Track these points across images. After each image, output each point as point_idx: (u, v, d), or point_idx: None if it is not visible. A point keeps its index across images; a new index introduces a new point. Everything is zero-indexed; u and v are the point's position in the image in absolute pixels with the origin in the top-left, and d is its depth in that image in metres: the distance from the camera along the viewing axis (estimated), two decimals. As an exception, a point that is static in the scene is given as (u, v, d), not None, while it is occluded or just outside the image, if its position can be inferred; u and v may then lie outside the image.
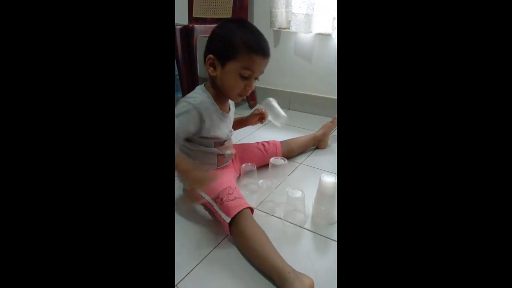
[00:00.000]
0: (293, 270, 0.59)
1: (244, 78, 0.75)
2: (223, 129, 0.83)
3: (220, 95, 0.79)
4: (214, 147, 0.83)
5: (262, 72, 0.79)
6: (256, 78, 0.78)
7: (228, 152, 0.87)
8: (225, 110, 0.82)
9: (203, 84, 0.82)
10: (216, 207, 0.74)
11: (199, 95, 0.78)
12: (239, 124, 0.99)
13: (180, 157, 0.69)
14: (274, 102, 0.97)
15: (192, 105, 0.74)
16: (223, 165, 0.88)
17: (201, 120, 0.75)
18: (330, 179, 0.76)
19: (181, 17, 1.65)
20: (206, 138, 0.80)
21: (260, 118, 0.97)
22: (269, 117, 0.97)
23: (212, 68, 0.75)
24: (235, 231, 0.69)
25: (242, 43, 0.72)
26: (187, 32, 1.18)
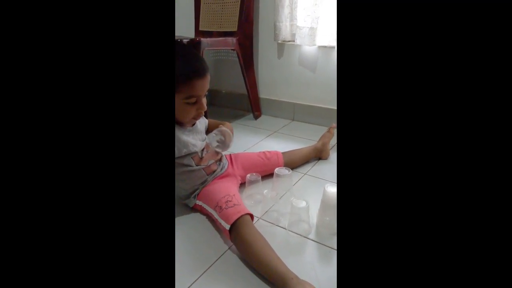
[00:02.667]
0: (296, 277, 0.59)
1: (192, 104, 0.75)
2: (196, 140, 0.82)
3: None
4: (196, 164, 0.82)
5: (207, 88, 0.77)
6: (205, 96, 0.77)
7: (211, 161, 0.86)
8: (188, 125, 0.82)
9: None
10: (216, 216, 0.75)
11: None
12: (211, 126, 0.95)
13: None
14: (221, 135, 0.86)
15: None
16: (218, 174, 0.88)
17: None
18: (334, 190, 0.76)
19: (188, 30, 1.70)
20: (183, 157, 0.80)
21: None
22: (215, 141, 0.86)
23: None
24: (236, 238, 0.69)
25: (178, 75, 0.69)
26: (194, 45, 1.21)
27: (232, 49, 1.47)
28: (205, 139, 0.87)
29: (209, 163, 0.86)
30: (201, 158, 0.84)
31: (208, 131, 0.92)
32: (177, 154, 0.78)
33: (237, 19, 1.50)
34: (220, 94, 1.85)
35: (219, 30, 1.56)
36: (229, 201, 0.75)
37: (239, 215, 0.70)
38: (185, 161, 0.81)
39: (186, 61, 0.73)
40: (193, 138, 0.82)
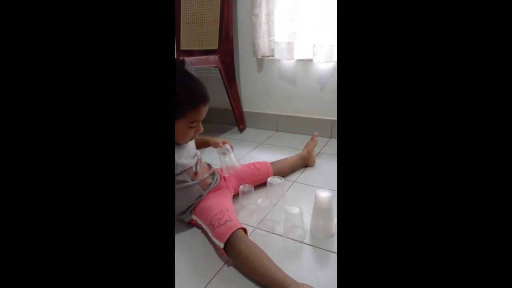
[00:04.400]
0: (295, 281, 0.62)
1: (192, 128, 0.80)
2: (187, 158, 0.85)
3: None
4: (191, 179, 0.85)
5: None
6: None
7: (205, 175, 0.89)
8: (179, 143, 0.85)
9: None
10: (210, 234, 0.78)
11: None
12: (204, 144, 0.99)
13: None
14: (230, 153, 0.93)
15: None
16: (212, 187, 0.90)
17: None
18: (325, 194, 0.81)
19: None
20: (178, 174, 0.82)
21: (216, 144, 0.96)
22: (220, 160, 0.93)
23: None
24: (231, 254, 0.71)
25: (187, 101, 0.75)
26: (179, 64, 1.24)
27: (214, 66, 1.52)
28: (195, 155, 0.90)
29: (204, 177, 0.88)
30: (196, 173, 0.87)
31: (196, 146, 0.94)
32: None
33: (217, 37, 1.55)
34: (204, 110, 1.88)
35: (200, 48, 1.61)
36: (221, 218, 0.76)
37: (231, 231, 0.72)
38: (180, 177, 0.83)
39: (192, 88, 0.78)
40: (184, 157, 0.85)
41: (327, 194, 0.80)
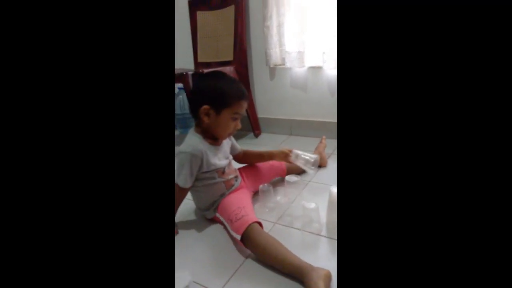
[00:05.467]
0: (311, 265, 0.69)
1: (234, 120, 0.92)
2: (221, 159, 0.95)
3: (207, 135, 0.93)
4: (218, 177, 0.95)
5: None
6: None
7: (231, 176, 0.99)
8: (216, 144, 0.95)
9: (192, 129, 0.96)
10: (228, 228, 0.86)
11: (190, 140, 0.92)
12: (263, 157, 1.12)
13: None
14: (299, 152, 1.07)
15: (188, 153, 0.87)
16: (234, 188, 0.99)
17: (199, 160, 0.89)
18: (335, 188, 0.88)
19: (187, 63, 1.85)
20: (207, 171, 0.92)
21: (285, 156, 1.08)
22: (300, 166, 1.07)
23: (206, 117, 0.89)
24: (249, 245, 0.78)
25: (233, 93, 0.89)
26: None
27: (230, 76, 1.63)
28: (228, 157, 1.01)
29: (230, 178, 0.98)
30: (223, 172, 0.96)
31: (253, 160, 1.11)
32: (205, 169, 0.91)
33: (232, 49, 1.66)
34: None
35: (216, 60, 1.72)
36: (238, 213, 0.84)
37: (247, 224, 0.79)
38: (210, 174, 0.93)
39: (236, 85, 0.92)
40: (218, 158, 0.95)
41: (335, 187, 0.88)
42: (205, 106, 0.87)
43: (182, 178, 0.87)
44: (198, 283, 0.72)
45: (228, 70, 1.58)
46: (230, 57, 1.66)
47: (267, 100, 1.81)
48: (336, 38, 1.44)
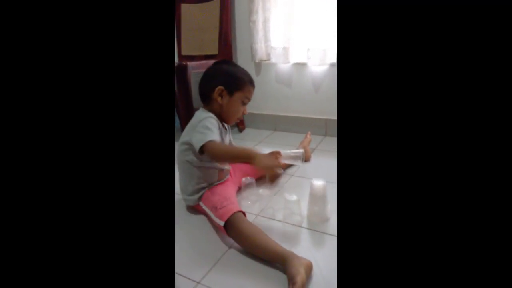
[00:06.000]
0: (293, 253, 0.70)
1: (243, 104, 0.97)
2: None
3: (217, 118, 0.95)
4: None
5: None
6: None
7: (226, 167, 1.01)
8: (224, 128, 0.98)
9: (202, 108, 0.97)
10: (211, 215, 0.86)
11: (206, 113, 0.93)
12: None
13: (247, 149, 0.88)
14: (287, 152, 1.09)
15: (214, 118, 0.92)
16: (223, 180, 1.00)
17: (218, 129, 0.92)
18: (320, 183, 0.90)
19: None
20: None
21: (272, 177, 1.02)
22: (290, 163, 1.11)
23: (220, 97, 0.93)
24: (232, 232, 0.79)
25: (245, 77, 0.96)
26: (182, 68, 1.34)
27: (214, 70, 1.62)
28: None
29: (224, 168, 0.99)
30: None
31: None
32: None
33: (217, 43, 1.65)
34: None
35: (200, 54, 1.70)
36: (223, 202, 0.86)
37: (231, 212, 0.81)
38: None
39: (245, 71, 0.99)
40: (224, 142, 0.97)
41: (321, 183, 0.90)
42: (220, 87, 0.92)
43: (214, 135, 0.85)
44: (179, 274, 0.72)
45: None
46: (215, 51, 1.65)
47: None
48: (320, 35, 1.47)
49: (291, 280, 0.62)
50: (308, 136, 1.39)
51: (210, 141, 0.82)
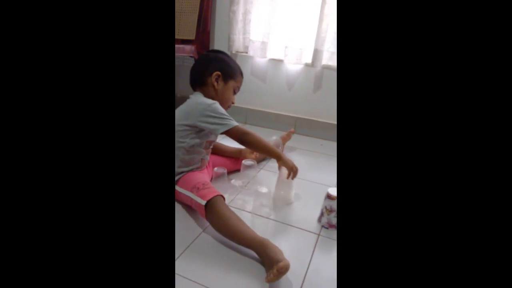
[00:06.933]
0: (269, 240, 0.73)
1: (234, 93, 1.02)
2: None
3: None
4: (203, 148, 0.97)
5: None
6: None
7: (207, 156, 1.02)
8: None
9: (200, 93, 0.98)
10: (192, 196, 0.86)
11: (204, 98, 0.95)
12: (233, 153, 1.18)
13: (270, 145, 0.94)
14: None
15: (217, 102, 0.93)
16: (202, 168, 1.00)
17: None
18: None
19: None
20: (203, 136, 0.94)
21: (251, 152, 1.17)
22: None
23: (216, 83, 0.94)
24: (211, 214, 0.80)
25: (236, 68, 1.02)
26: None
27: (190, 56, 1.57)
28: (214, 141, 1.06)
29: (206, 157, 1.00)
30: (208, 147, 1.01)
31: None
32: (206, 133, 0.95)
33: (194, 28, 1.61)
34: (176, 98, 1.92)
35: (177, 37, 1.64)
36: (205, 184, 0.87)
37: (214, 194, 0.82)
38: (201, 140, 0.94)
39: (237, 63, 1.04)
40: None
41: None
42: (217, 72, 0.96)
43: (233, 120, 0.91)
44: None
45: (189, 49, 1.53)
46: (191, 36, 1.61)
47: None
48: (298, 34, 1.50)
49: (275, 262, 0.64)
50: (290, 134, 1.38)
51: (236, 126, 0.90)
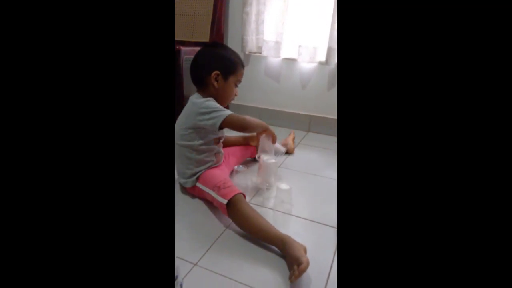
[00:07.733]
0: (290, 237, 0.74)
1: (235, 86, 1.02)
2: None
3: None
4: (214, 144, 0.99)
5: None
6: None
7: (221, 151, 1.04)
8: (223, 105, 1.01)
9: (197, 93, 0.99)
10: (213, 194, 0.88)
11: (202, 98, 0.96)
12: (242, 142, 1.23)
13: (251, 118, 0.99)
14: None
15: (215, 102, 0.95)
16: (219, 163, 1.03)
17: None
18: (266, 157, 1.04)
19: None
20: (210, 133, 0.96)
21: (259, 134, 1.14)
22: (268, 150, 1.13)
23: (216, 82, 0.95)
24: (233, 213, 0.82)
25: (237, 60, 0.99)
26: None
27: (205, 58, 1.60)
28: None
29: (220, 153, 1.03)
30: (218, 142, 1.03)
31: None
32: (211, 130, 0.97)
33: (208, 30, 1.64)
34: (185, 100, 1.96)
35: (191, 40, 1.68)
36: (226, 183, 0.89)
37: (235, 193, 0.84)
38: (209, 137, 0.97)
39: (236, 54, 1.01)
40: None
41: (270, 159, 1.05)
42: (216, 72, 0.95)
43: (226, 110, 0.92)
44: (176, 256, 0.73)
45: (204, 51, 1.56)
46: (206, 39, 1.64)
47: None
48: (312, 33, 1.51)
49: (296, 261, 0.66)
50: (292, 134, 1.46)
51: (231, 114, 0.91)
